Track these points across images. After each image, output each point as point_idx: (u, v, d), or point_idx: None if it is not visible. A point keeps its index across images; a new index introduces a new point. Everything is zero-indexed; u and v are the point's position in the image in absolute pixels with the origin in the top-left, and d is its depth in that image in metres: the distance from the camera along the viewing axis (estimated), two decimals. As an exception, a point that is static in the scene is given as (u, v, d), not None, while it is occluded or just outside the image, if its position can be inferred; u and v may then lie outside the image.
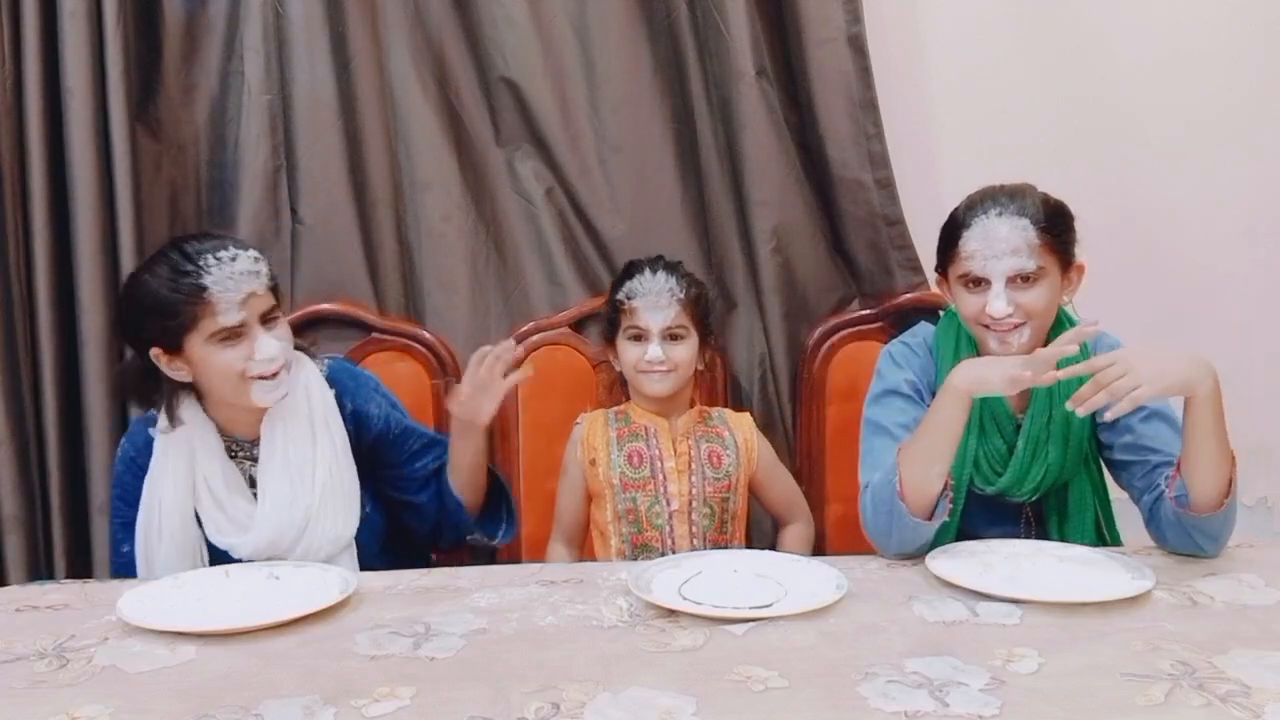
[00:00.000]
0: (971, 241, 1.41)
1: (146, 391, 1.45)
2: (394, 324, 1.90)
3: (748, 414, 1.75)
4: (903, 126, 1.97)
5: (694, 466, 1.63)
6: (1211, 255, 2.10)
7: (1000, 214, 1.39)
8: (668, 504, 1.61)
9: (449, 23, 1.93)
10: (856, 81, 1.91)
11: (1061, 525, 1.51)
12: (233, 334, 1.36)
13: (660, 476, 1.62)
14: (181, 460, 1.43)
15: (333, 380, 1.50)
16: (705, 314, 1.68)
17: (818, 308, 2.00)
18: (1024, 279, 1.39)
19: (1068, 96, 2.07)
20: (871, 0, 1.93)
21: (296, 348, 1.47)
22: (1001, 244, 1.38)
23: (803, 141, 1.98)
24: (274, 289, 1.41)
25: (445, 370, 1.90)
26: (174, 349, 1.37)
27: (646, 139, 1.96)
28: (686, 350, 1.62)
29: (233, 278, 1.34)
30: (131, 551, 1.46)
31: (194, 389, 1.44)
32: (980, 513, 1.52)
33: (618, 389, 1.73)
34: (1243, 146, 2.10)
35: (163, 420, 1.43)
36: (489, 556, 1.74)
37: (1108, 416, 1.28)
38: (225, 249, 1.35)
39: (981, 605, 1.20)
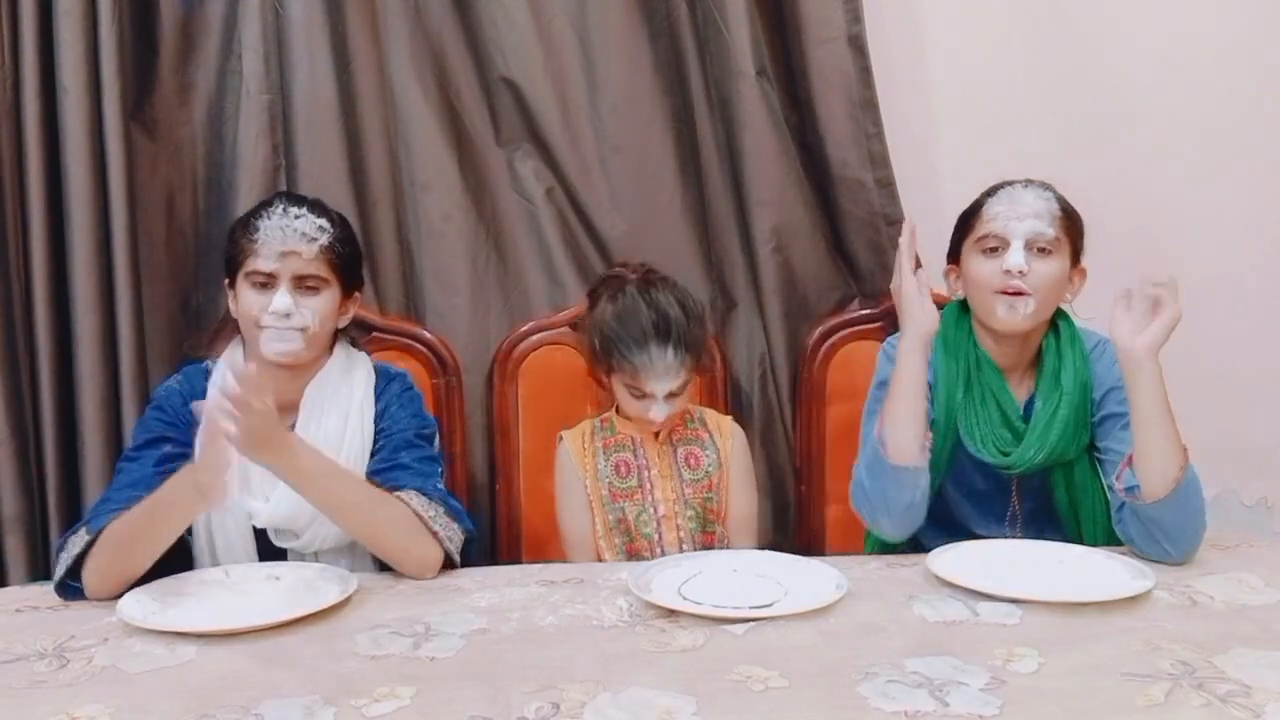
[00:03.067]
0: (996, 205, 1.50)
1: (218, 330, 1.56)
2: (394, 324, 1.90)
3: (729, 418, 1.71)
4: (903, 126, 1.97)
5: (672, 470, 1.62)
6: (1211, 256, 2.10)
7: (1026, 186, 1.50)
8: (655, 510, 1.60)
9: (449, 23, 1.93)
10: (856, 81, 1.91)
11: (1073, 503, 1.52)
12: (264, 280, 1.42)
13: (648, 485, 1.61)
14: None
15: (376, 370, 1.57)
16: (702, 355, 1.61)
17: (818, 308, 2.00)
18: (1041, 249, 1.46)
19: (1068, 97, 2.07)
20: (871, 0, 1.93)
21: (353, 343, 1.59)
22: (1026, 207, 1.47)
23: (803, 141, 1.97)
24: (332, 263, 1.46)
25: (445, 370, 1.90)
26: (231, 279, 1.47)
27: (646, 139, 1.95)
28: (685, 398, 1.60)
29: (282, 229, 1.41)
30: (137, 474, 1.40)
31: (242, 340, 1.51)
32: (967, 501, 1.54)
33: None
34: (1243, 150, 2.10)
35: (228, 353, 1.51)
36: (489, 557, 1.75)
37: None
38: (298, 207, 1.44)
39: (981, 605, 1.20)
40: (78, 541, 1.31)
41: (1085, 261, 1.53)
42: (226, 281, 1.50)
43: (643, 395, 1.55)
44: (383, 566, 1.48)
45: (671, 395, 1.55)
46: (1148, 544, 1.35)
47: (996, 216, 1.48)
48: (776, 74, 1.95)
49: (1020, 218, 1.46)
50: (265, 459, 1.28)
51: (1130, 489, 1.35)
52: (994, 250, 1.48)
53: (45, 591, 1.34)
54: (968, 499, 1.55)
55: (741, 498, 1.65)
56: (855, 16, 1.90)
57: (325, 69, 1.86)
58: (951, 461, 1.53)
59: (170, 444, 1.43)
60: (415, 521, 1.37)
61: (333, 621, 1.20)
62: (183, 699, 0.99)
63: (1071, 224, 1.50)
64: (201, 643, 1.13)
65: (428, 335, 1.91)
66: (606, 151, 1.95)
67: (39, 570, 1.76)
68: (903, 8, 2.04)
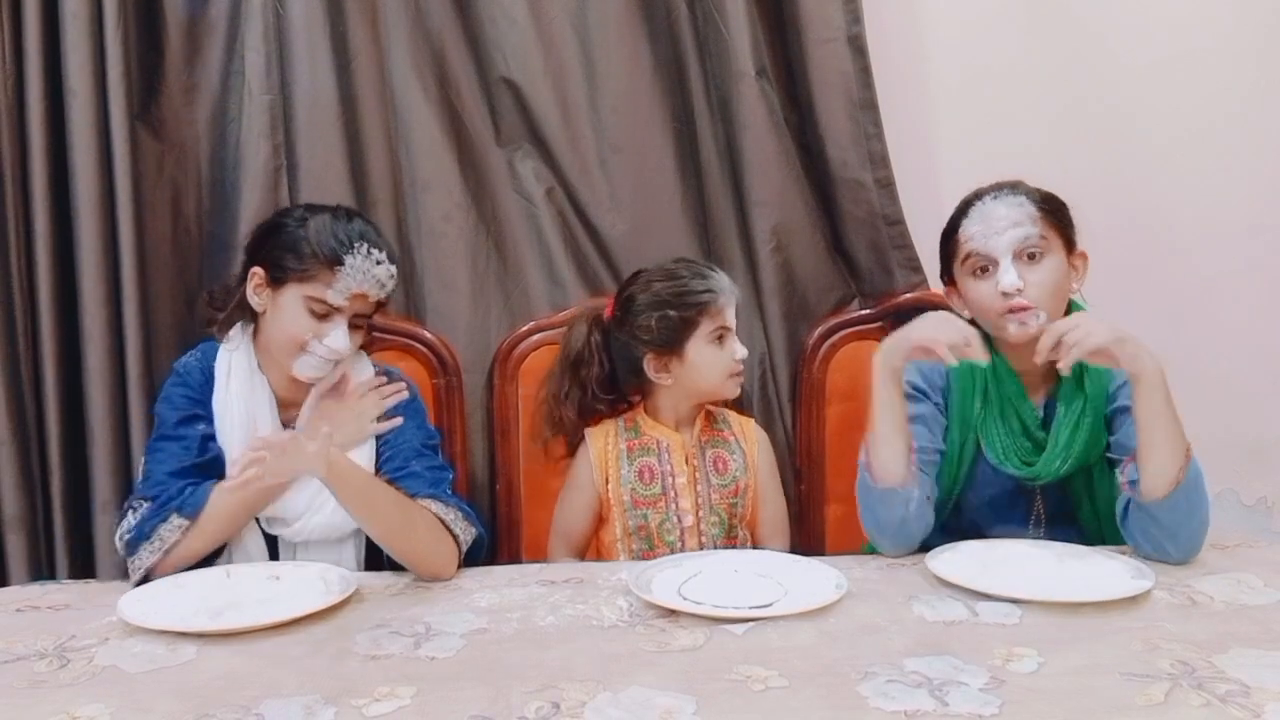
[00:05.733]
0: (971, 225, 1.45)
1: (223, 306, 1.54)
2: (394, 324, 1.90)
3: (752, 421, 1.72)
4: (903, 126, 1.97)
5: (699, 476, 1.60)
6: (1211, 255, 2.10)
7: (995, 197, 1.45)
8: (679, 520, 1.58)
9: (449, 23, 1.93)
10: (856, 81, 1.91)
11: (1095, 506, 1.50)
12: (326, 311, 1.43)
13: (672, 493, 1.59)
14: (244, 398, 1.48)
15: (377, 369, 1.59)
16: None
17: (818, 308, 2.00)
18: (1030, 256, 1.42)
19: (1068, 96, 2.07)
20: (871, 0, 1.93)
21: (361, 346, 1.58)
22: (1001, 220, 1.43)
23: (803, 141, 1.98)
24: (380, 305, 1.51)
25: (445, 370, 1.90)
26: (274, 283, 1.45)
27: (646, 139, 1.96)
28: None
29: (364, 273, 1.43)
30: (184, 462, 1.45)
31: (255, 332, 1.52)
32: (987, 507, 1.53)
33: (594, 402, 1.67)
34: (1243, 147, 2.10)
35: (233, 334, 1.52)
36: (489, 557, 1.74)
37: (1061, 368, 1.33)
38: (380, 250, 1.45)
39: (981, 605, 1.20)
40: (172, 529, 1.36)
41: (1083, 246, 1.50)
42: (262, 272, 1.47)
43: (722, 334, 1.57)
44: (370, 561, 1.50)
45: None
46: (1147, 542, 1.35)
47: (974, 237, 1.44)
48: (776, 74, 1.95)
49: (999, 231, 1.42)
50: (313, 470, 1.31)
51: (1133, 483, 1.34)
52: (984, 270, 1.44)
53: (45, 591, 1.34)
54: (988, 507, 1.53)
55: (772, 503, 1.67)
56: (855, 16, 1.90)
57: (326, 69, 1.87)
58: (971, 472, 1.51)
59: (203, 422, 1.48)
60: (439, 526, 1.40)
61: (333, 621, 1.20)
62: (183, 699, 0.99)
63: (1054, 214, 1.45)
64: (201, 643, 1.13)
65: (428, 335, 1.91)
66: (606, 151, 1.95)
67: (40, 570, 1.77)
68: (903, 8, 2.04)
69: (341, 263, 1.41)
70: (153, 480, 1.42)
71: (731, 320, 1.58)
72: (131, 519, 1.39)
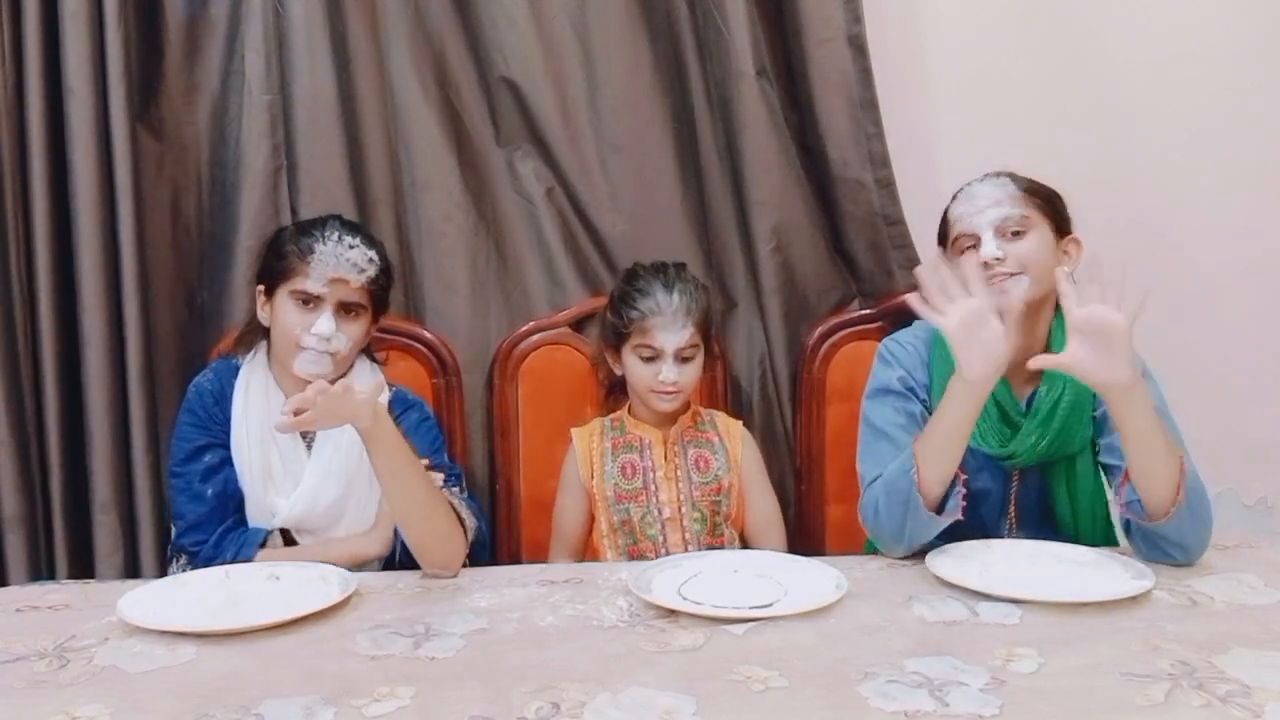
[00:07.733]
0: (958, 207, 1.51)
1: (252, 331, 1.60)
2: (394, 323, 1.90)
3: (739, 422, 1.73)
4: (903, 126, 1.97)
5: (680, 473, 1.63)
6: (1212, 255, 2.11)
7: (982, 181, 1.51)
8: (659, 512, 1.61)
9: (449, 23, 1.93)
10: (856, 81, 1.91)
11: (1073, 501, 1.50)
12: (309, 300, 1.48)
13: (652, 486, 1.62)
14: (259, 411, 1.53)
15: (393, 395, 1.59)
16: (710, 326, 1.67)
17: (818, 308, 2.00)
18: (1014, 232, 1.45)
19: (1068, 96, 2.07)
20: (871, 0, 1.93)
21: (369, 356, 1.64)
22: (983, 200, 1.48)
23: (803, 141, 1.98)
24: (373, 294, 1.54)
25: (445, 370, 1.90)
26: (269, 290, 1.53)
27: (646, 139, 1.96)
28: (695, 369, 1.63)
29: (336, 256, 1.48)
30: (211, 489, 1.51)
31: (268, 346, 1.57)
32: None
33: (616, 392, 1.73)
34: (1243, 147, 2.10)
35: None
36: (489, 557, 1.74)
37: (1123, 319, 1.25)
38: (352, 236, 1.51)
39: (981, 605, 1.20)
40: None
41: (1077, 233, 1.51)
42: (261, 288, 1.55)
43: (653, 356, 1.58)
44: (386, 566, 1.50)
45: (683, 360, 1.59)
46: (1155, 554, 1.34)
47: (960, 218, 1.49)
48: (776, 74, 1.95)
49: (980, 210, 1.46)
50: (363, 424, 1.31)
51: (1130, 504, 1.33)
52: (972, 248, 1.47)
53: (45, 591, 1.34)
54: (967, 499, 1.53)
55: (761, 501, 1.68)
56: (855, 16, 1.90)
57: (326, 69, 1.87)
58: None
59: (209, 453, 1.52)
60: (454, 516, 1.42)
61: (333, 621, 1.20)
62: (183, 699, 0.99)
63: (1041, 198, 1.48)
64: (201, 643, 1.13)
65: (428, 335, 1.91)
66: (606, 151, 1.95)
67: (40, 570, 1.77)
68: (903, 8, 2.04)
69: (313, 250, 1.47)
70: (183, 523, 1.51)
71: (663, 343, 1.57)
72: (175, 570, 1.47)
